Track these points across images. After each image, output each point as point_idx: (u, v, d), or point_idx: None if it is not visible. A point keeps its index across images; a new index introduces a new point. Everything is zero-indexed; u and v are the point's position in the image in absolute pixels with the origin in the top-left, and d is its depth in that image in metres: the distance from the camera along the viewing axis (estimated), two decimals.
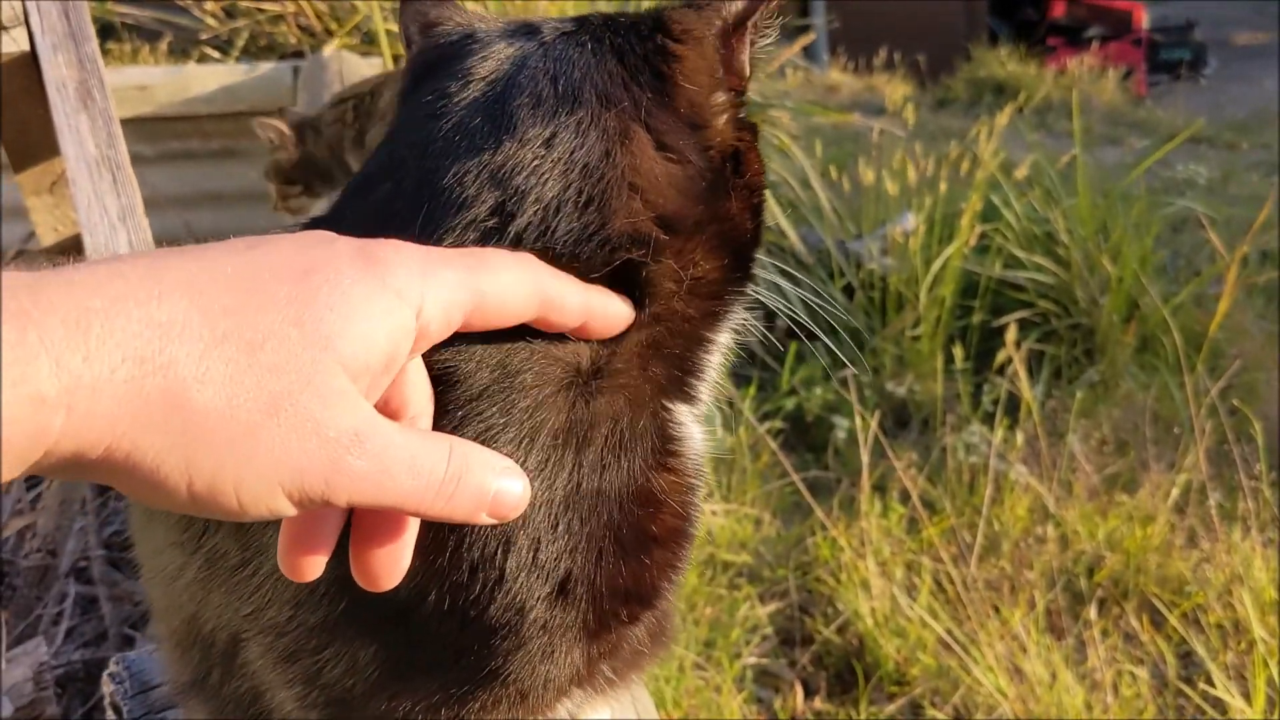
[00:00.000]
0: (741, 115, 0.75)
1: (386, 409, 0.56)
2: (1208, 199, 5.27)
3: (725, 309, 0.73)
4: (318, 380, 0.49)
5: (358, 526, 0.57)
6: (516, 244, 0.64)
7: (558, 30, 0.72)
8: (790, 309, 0.79)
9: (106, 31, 6.85)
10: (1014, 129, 5.46)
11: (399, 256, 0.55)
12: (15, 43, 1.40)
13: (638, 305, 0.67)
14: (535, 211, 0.65)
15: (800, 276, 0.81)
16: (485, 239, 0.64)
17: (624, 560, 0.67)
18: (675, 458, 0.71)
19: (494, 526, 0.63)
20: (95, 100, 1.29)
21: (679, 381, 0.71)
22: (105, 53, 6.58)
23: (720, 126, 0.73)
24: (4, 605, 1.65)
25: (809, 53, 9.26)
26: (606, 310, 0.64)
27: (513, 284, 0.60)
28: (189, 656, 0.81)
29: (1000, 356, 3.10)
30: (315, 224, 0.71)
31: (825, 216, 4.08)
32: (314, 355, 0.49)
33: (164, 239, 2.31)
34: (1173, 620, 2.38)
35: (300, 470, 0.49)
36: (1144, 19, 10.30)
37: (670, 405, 0.71)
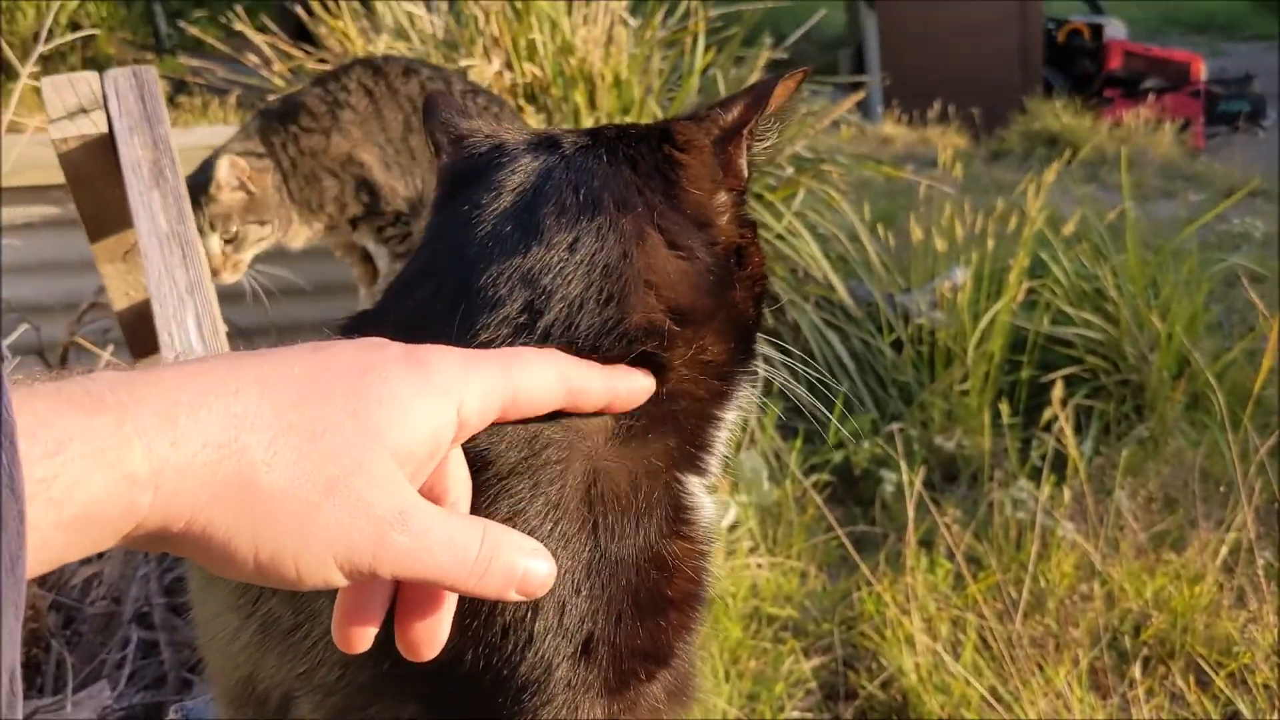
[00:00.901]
0: (743, 213, 0.83)
1: (430, 495, 0.62)
2: (1263, 254, 5.22)
3: (733, 389, 0.79)
4: (368, 465, 0.56)
5: (402, 602, 0.63)
6: (544, 339, 0.71)
7: (576, 144, 0.79)
8: (787, 381, 0.85)
9: (178, 87, 7.10)
10: (1064, 183, 5.46)
11: (442, 358, 0.62)
12: (94, 125, 1.50)
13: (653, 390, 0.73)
14: (561, 309, 0.71)
15: (789, 347, 0.88)
16: (517, 334, 0.71)
17: (641, 622, 0.72)
18: (688, 525, 0.76)
19: None
20: (167, 179, 1.38)
21: (691, 456, 0.77)
22: (176, 106, 6.83)
23: (724, 225, 0.80)
24: (71, 650, 1.72)
25: (863, 105, 9.31)
26: (630, 386, 0.71)
27: (542, 377, 0.66)
28: (242, 714, 0.87)
29: (1048, 413, 3.10)
30: (362, 319, 0.78)
31: (874, 270, 4.11)
32: (366, 443, 0.56)
33: (223, 291, 2.37)
34: (1219, 681, 2.36)
35: (351, 545, 0.55)
36: (1202, 71, 10.20)
37: (682, 477, 0.77)
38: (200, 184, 2.42)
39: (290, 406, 0.55)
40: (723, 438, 0.80)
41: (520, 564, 0.61)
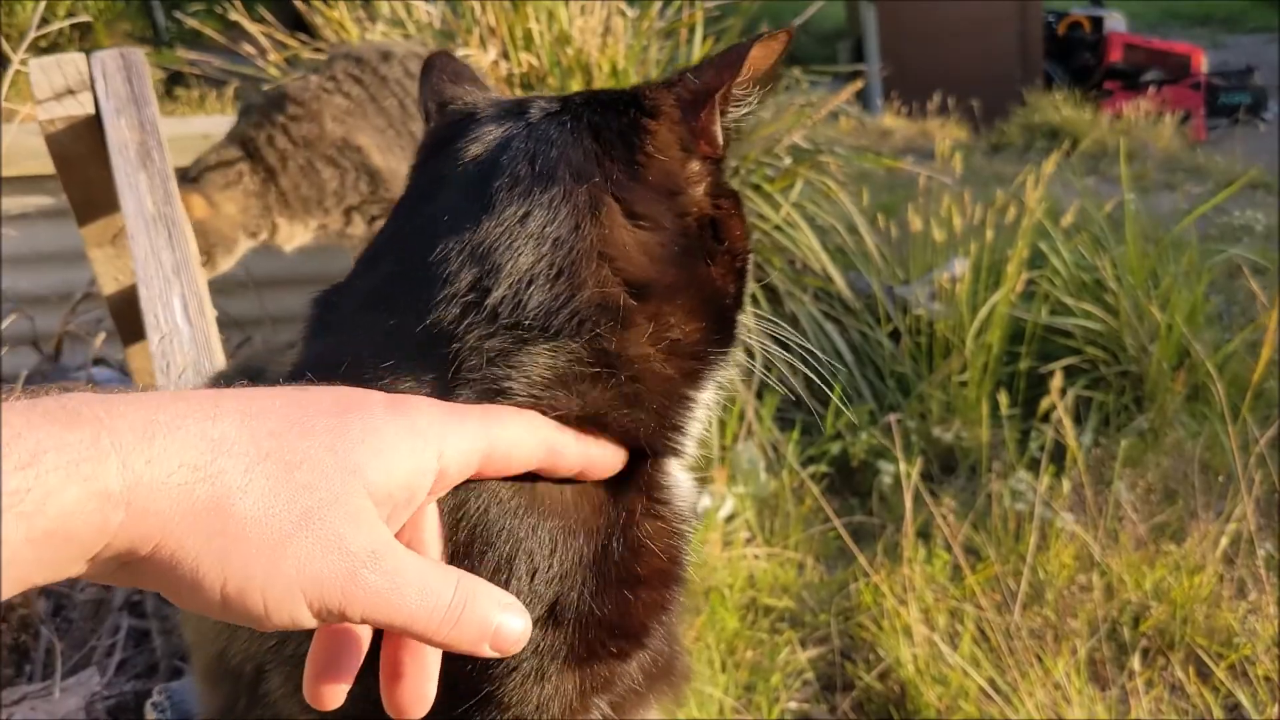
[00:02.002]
0: (720, 183, 0.79)
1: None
2: (1265, 246, 5.21)
3: (707, 369, 0.76)
4: (344, 500, 0.55)
5: (386, 665, 0.62)
6: (492, 318, 0.69)
7: (544, 110, 0.78)
8: (786, 366, 0.82)
9: (175, 79, 7.09)
10: (1065, 175, 5.45)
11: (424, 406, 0.61)
12: (81, 106, 1.49)
13: (614, 372, 0.71)
14: (509, 284, 0.69)
15: (790, 330, 0.85)
16: (465, 312, 0.69)
17: (607, 593, 0.71)
18: (661, 505, 0.75)
19: (494, 555, 0.67)
20: (154, 161, 1.37)
21: (663, 438, 0.74)
22: (173, 99, 6.82)
23: (696, 195, 0.77)
24: (60, 636, 1.71)
25: (862, 97, 9.29)
26: (602, 459, 0.70)
27: (520, 436, 0.65)
28: (219, 688, 0.87)
29: (1046, 403, 3.09)
30: (334, 292, 0.77)
31: (873, 262, 4.10)
32: (343, 479, 0.55)
33: (220, 286, 2.34)
34: (1219, 672, 2.35)
35: (321, 580, 0.54)
36: (1203, 63, 10.20)
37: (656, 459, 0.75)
38: None
39: (269, 436, 0.54)
40: (698, 417, 0.77)
41: (494, 618, 0.60)
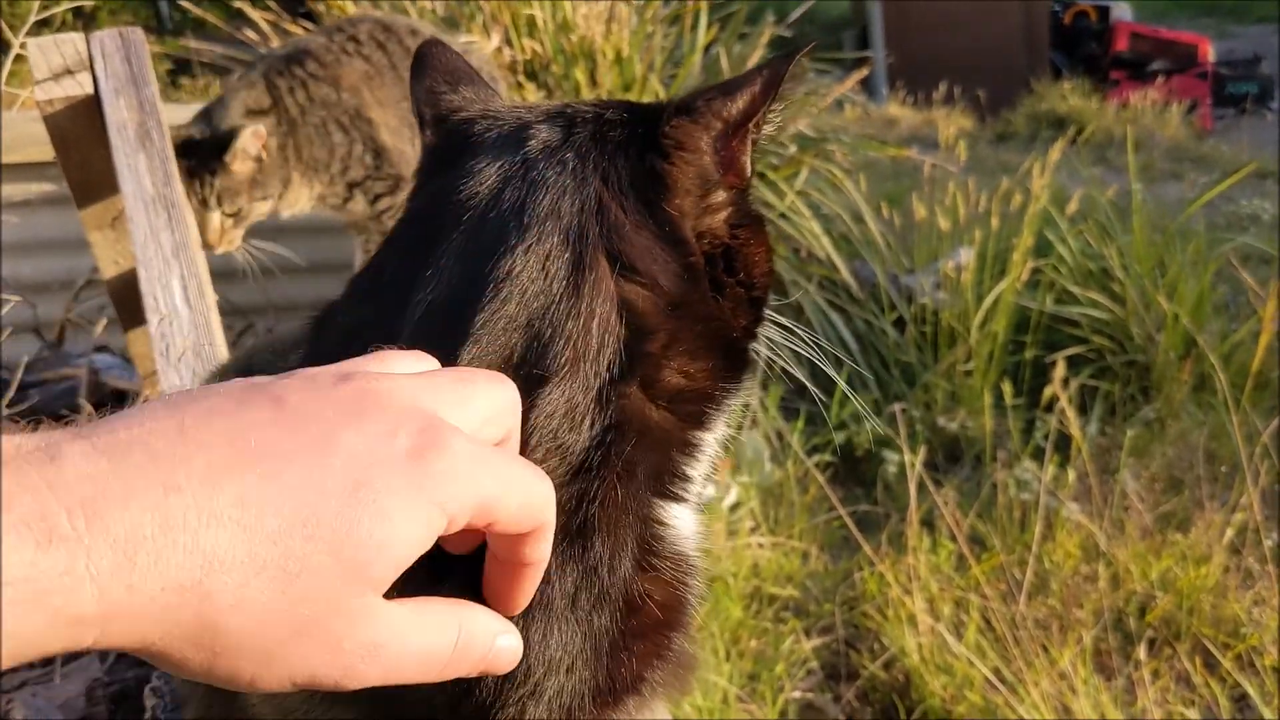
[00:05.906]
0: (743, 211, 0.73)
1: None
2: (1271, 235, 5.19)
3: (714, 408, 0.72)
4: (345, 606, 0.52)
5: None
6: None
7: (544, 143, 0.71)
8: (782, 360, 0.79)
9: (182, 67, 7.08)
10: (1071, 164, 5.43)
11: (455, 468, 0.55)
12: (80, 86, 1.47)
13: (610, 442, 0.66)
14: (476, 354, 0.65)
15: (791, 326, 0.79)
16: None
17: (598, 664, 0.67)
18: (658, 558, 0.69)
19: None
20: (153, 141, 1.35)
21: (662, 485, 0.70)
22: (178, 87, 6.80)
23: (715, 225, 0.72)
24: None
25: (868, 86, 9.27)
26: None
27: (530, 496, 0.59)
28: (197, 688, 0.85)
29: (1050, 392, 3.08)
30: (329, 313, 0.74)
31: (878, 250, 4.08)
32: (346, 585, 0.52)
33: (221, 273, 2.33)
34: (1226, 662, 2.35)
35: (315, 676, 0.52)
36: (1210, 52, 10.17)
37: (657, 505, 0.70)
38: (211, 147, 2.24)
39: (269, 540, 0.50)
40: (706, 456, 0.72)
41: (491, 650, 0.59)
